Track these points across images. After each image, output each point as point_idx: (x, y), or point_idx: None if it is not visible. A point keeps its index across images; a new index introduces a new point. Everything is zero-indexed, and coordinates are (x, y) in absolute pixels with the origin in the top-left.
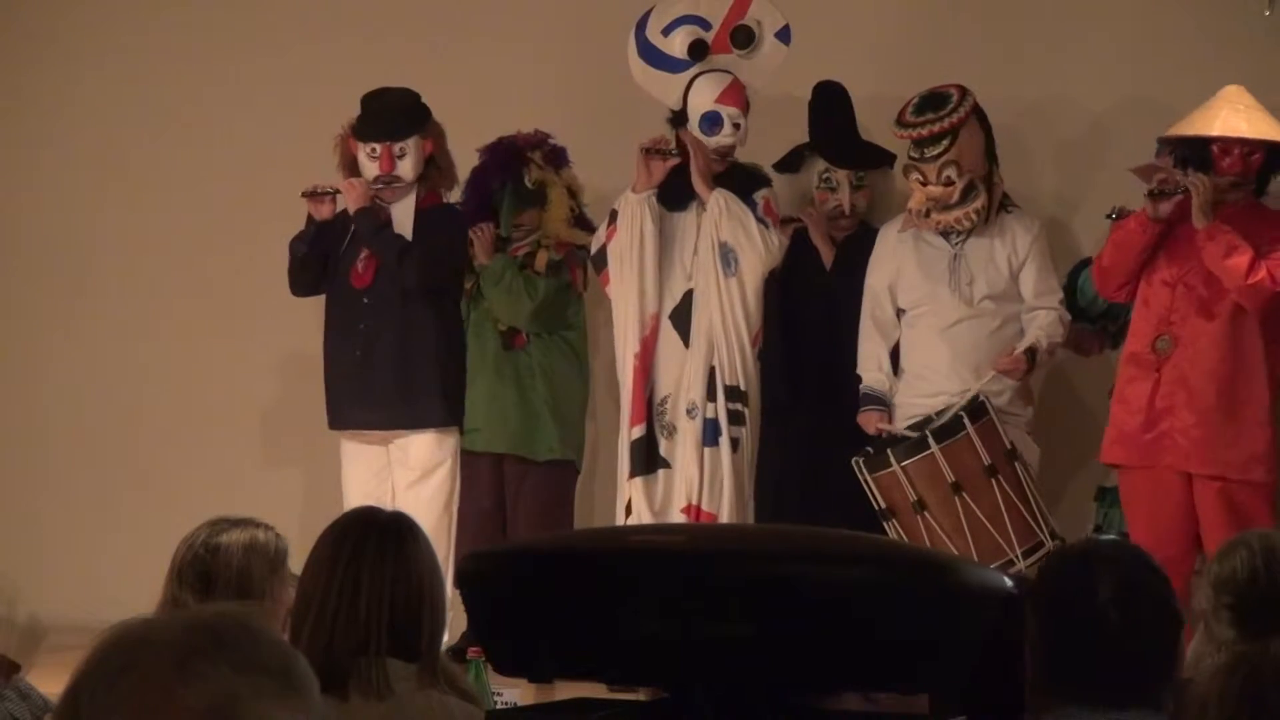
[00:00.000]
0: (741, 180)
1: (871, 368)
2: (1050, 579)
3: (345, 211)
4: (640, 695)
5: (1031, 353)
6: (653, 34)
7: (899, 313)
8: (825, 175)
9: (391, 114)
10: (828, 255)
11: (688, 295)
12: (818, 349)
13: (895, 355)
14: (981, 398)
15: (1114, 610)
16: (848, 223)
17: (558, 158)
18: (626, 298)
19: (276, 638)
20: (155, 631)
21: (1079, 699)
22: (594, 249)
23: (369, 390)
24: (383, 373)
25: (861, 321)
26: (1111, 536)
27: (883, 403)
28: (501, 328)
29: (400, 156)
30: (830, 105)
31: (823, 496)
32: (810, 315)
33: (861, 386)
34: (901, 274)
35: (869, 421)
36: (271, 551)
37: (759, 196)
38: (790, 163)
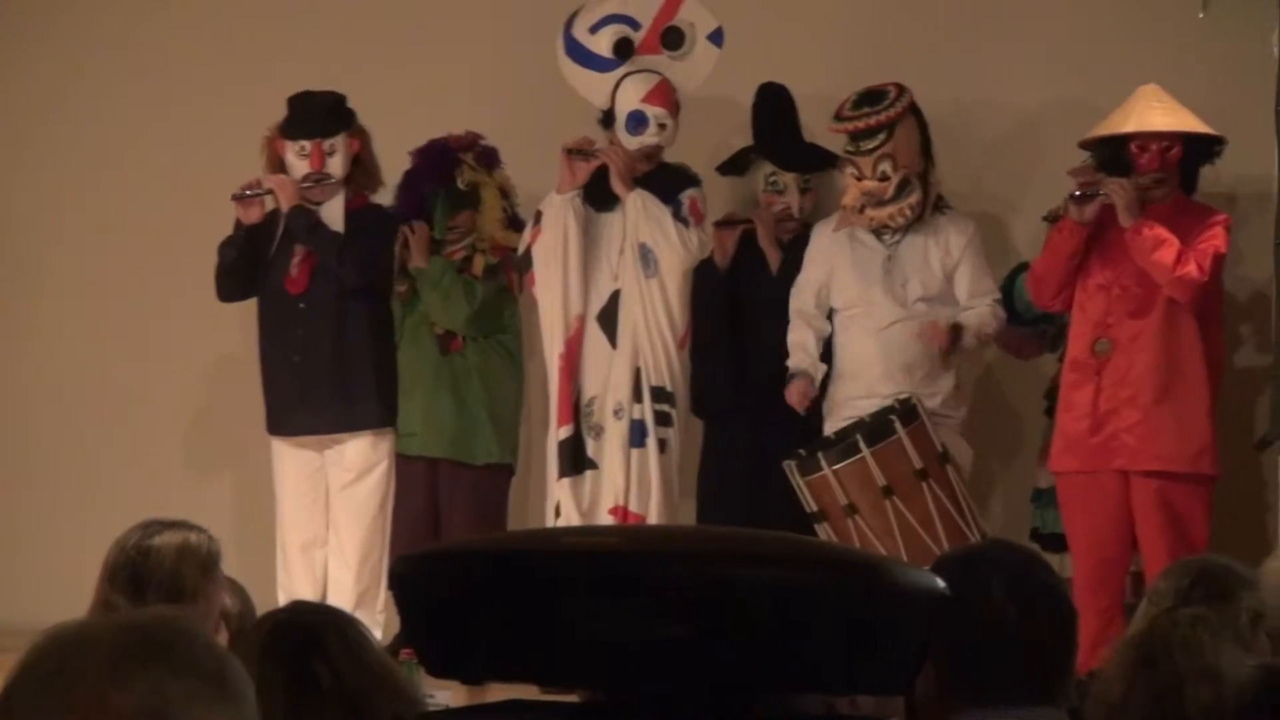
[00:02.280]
0: (668, 180)
1: (797, 352)
2: None
3: (273, 215)
4: (574, 697)
5: (957, 330)
6: (580, 32)
7: (831, 312)
8: (772, 178)
9: (320, 112)
10: (774, 259)
11: (614, 296)
12: (764, 352)
13: (826, 353)
14: (913, 400)
15: (1011, 607)
16: (793, 225)
17: (490, 159)
18: (551, 299)
19: (211, 640)
20: (89, 634)
21: (982, 700)
22: (520, 250)
23: (308, 395)
24: (321, 377)
25: (791, 315)
26: (995, 538)
27: (809, 376)
28: (438, 331)
29: (330, 154)
30: (775, 107)
31: (767, 498)
32: (756, 318)
33: (789, 364)
34: (835, 274)
35: (793, 392)
36: (204, 554)
37: (685, 196)
38: (735, 165)
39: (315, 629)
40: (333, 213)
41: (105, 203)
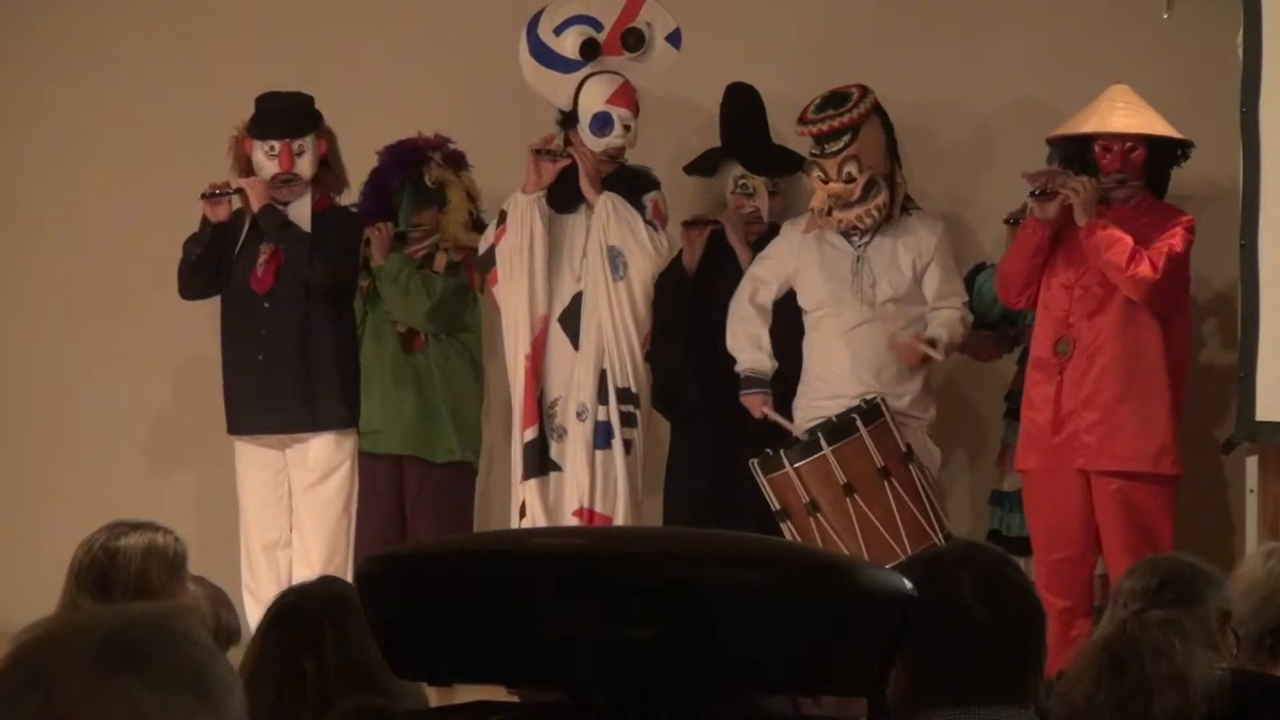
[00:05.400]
0: (630, 182)
1: (748, 347)
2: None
3: (238, 214)
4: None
5: (932, 343)
6: (544, 33)
7: (800, 314)
8: (742, 181)
9: (289, 113)
10: (745, 258)
11: (576, 298)
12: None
13: (793, 354)
14: (878, 399)
15: (980, 607)
16: (759, 226)
17: (457, 160)
18: (516, 300)
19: (194, 639)
20: (65, 642)
21: (950, 701)
22: (482, 249)
23: (271, 394)
24: (285, 377)
25: (737, 305)
26: (964, 540)
27: (765, 384)
28: (400, 329)
29: (299, 155)
30: (744, 109)
31: (735, 499)
32: (725, 318)
33: (740, 369)
34: (804, 275)
35: (754, 405)
36: (170, 555)
37: (648, 199)
38: (703, 166)
39: (312, 622)
40: (299, 213)
41: (69, 201)
